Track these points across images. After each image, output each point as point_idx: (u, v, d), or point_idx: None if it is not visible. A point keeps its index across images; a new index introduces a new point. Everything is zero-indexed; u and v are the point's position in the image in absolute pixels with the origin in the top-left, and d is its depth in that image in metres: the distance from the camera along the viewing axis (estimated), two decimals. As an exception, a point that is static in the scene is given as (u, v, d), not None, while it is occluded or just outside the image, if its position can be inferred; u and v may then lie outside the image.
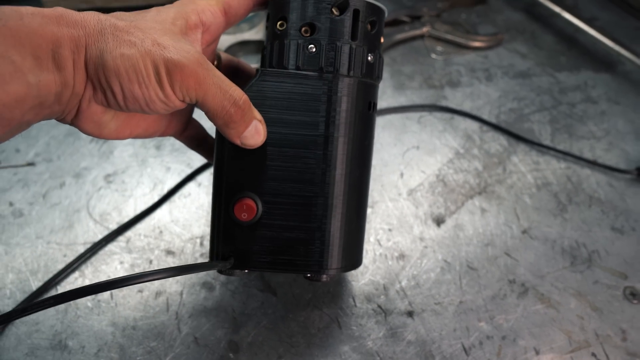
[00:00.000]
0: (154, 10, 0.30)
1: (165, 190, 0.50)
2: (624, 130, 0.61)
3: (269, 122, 0.32)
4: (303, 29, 0.33)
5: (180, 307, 0.42)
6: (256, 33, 0.64)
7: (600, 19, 0.75)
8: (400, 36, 0.66)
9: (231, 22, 0.34)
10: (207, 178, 0.51)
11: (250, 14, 0.37)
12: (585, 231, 0.50)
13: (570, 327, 0.44)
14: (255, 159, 0.33)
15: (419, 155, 0.55)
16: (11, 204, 0.48)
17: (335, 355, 0.40)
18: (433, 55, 0.66)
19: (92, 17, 0.27)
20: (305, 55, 0.32)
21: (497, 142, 0.57)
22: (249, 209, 0.32)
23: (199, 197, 0.50)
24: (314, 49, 0.32)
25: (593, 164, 0.56)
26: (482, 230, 0.49)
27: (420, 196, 0.51)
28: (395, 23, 0.68)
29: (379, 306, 0.43)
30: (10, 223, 0.46)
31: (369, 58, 0.34)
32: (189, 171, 0.51)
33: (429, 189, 0.52)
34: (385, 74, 0.63)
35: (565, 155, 0.57)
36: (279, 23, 0.33)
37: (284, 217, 0.33)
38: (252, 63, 0.61)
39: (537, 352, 0.42)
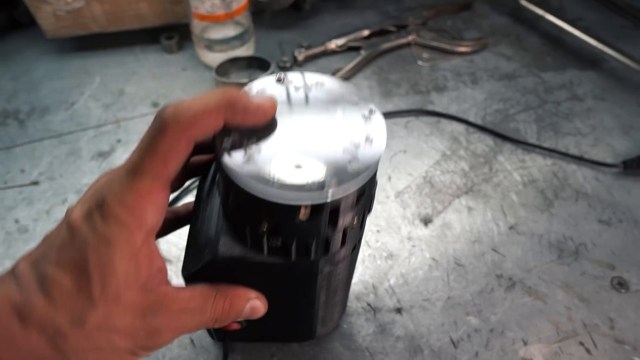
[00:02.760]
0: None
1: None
2: (610, 126, 0.62)
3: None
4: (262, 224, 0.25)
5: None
6: (247, 50, 0.66)
7: (585, 19, 0.77)
8: (386, 45, 0.69)
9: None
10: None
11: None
12: (572, 225, 0.51)
13: (557, 318, 0.44)
14: None
15: (406, 159, 0.57)
16: (17, 221, 0.50)
17: (327, 352, 0.41)
18: (419, 62, 0.68)
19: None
20: (271, 247, 0.26)
21: (483, 143, 0.59)
22: (234, 325, 0.35)
23: (195, 207, 0.52)
24: (279, 244, 0.26)
25: (579, 159, 0.57)
26: (469, 227, 0.51)
27: (408, 198, 0.53)
28: (382, 33, 0.71)
29: (369, 304, 0.45)
30: (16, 239, 0.49)
31: (355, 225, 0.27)
32: (185, 184, 0.54)
33: (416, 191, 0.54)
34: (373, 82, 0.65)
35: (551, 152, 0.58)
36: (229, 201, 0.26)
37: (269, 324, 0.35)
38: (244, 78, 0.64)
39: (525, 343, 0.43)
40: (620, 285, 0.47)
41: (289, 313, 0.35)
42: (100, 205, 0.23)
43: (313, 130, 0.24)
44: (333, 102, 0.26)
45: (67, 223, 0.23)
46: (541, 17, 0.73)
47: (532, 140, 0.59)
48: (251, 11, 0.66)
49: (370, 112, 0.25)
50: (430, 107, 0.62)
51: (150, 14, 0.65)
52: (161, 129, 0.22)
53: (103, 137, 0.58)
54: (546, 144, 0.59)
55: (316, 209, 0.23)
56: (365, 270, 0.47)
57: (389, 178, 0.55)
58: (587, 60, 0.71)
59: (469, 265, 0.48)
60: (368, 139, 0.24)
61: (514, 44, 0.73)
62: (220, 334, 0.39)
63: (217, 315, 0.27)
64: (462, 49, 0.69)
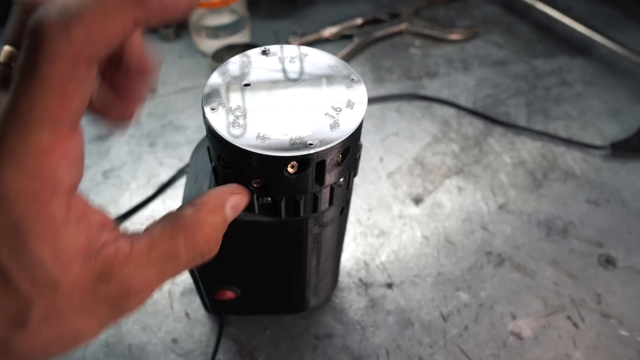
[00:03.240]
0: None
1: (159, 183, 0.53)
2: (599, 110, 0.63)
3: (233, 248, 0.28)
4: (253, 181, 0.25)
5: (172, 286, 0.44)
6: (242, 37, 0.67)
7: (575, 8, 0.78)
8: (379, 33, 0.70)
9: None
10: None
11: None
12: (560, 204, 0.52)
13: (546, 294, 0.45)
14: (228, 264, 0.33)
15: (398, 142, 0.58)
16: (15, 202, 0.51)
17: (319, 324, 0.42)
18: (412, 50, 0.69)
19: None
20: (261, 205, 0.27)
21: (473, 126, 0.60)
22: (229, 294, 0.37)
23: (190, 188, 0.53)
24: (270, 200, 0.27)
25: (568, 142, 0.58)
26: (460, 207, 0.52)
27: (399, 178, 0.54)
28: (375, 21, 0.72)
29: (360, 280, 0.46)
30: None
31: (342, 183, 0.28)
32: (181, 165, 0.54)
33: (407, 172, 0.54)
34: (366, 69, 0.66)
35: (541, 134, 0.59)
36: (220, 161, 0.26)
37: (263, 292, 0.38)
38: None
39: (514, 317, 0.44)
40: (608, 262, 0.48)
41: (281, 280, 0.36)
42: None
43: (297, 97, 0.25)
44: (316, 71, 0.27)
45: None
46: (532, 6, 0.74)
47: (522, 124, 0.60)
48: (248, 1, 0.67)
49: (352, 80, 0.26)
50: (421, 92, 0.63)
51: None
52: (45, 50, 0.15)
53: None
54: (536, 127, 0.60)
55: (303, 163, 0.24)
56: (356, 247, 0.48)
57: (381, 159, 0.56)
58: (577, 47, 0.72)
59: (459, 243, 0.49)
60: (349, 104, 0.25)
61: (505, 32, 0.74)
62: (215, 307, 0.40)
63: (197, 251, 0.21)
64: (454, 37, 0.70)
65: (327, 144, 0.23)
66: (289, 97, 0.25)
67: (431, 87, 0.64)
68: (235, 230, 0.26)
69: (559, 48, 0.72)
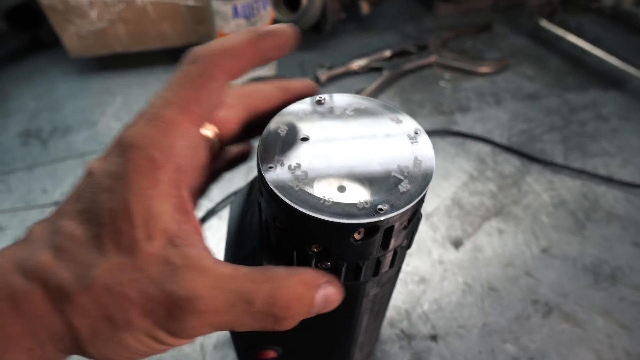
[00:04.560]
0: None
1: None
2: (638, 146, 0.61)
3: None
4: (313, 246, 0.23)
5: (205, 338, 0.42)
6: (268, 70, 0.66)
7: (605, 40, 0.76)
8: (408, 66, 0.68)
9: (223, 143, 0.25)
10: (227, 211, 0.53)
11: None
12: (606, 248, 0.50)
13: (598, 346, 0.43)
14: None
15: (433, 180, 0.55)
16: (40, 243, 0.49)
17: (361, 381, 0.40)
18: (441, 83, 0.68)
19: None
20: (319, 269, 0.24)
21: (510, 164, 0.58)
22: (270, 354, 0.34)
23: (220, 229, 0.51)
24: (329, 265, 0.24)
25: (609, 180, 0.56)
26: (501, 251, 0.49)
27: (437, 220, 0.52)
28: (403, 53, 0.71)
29: (402, 331, 0.43)
30: (39, 261, 0.48)
31: (404, 244, 0.25)
32: (210, 205, 0.53)
33: (445, 213, 0.52)
34: (396, 103, 0.65)
35: (580, 172, 0.57)
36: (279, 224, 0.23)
37: (306, 351, 0.34)
38: (267, 98, 0.64)
39: (566, 373, 0.41)
40: (661, 311, 0.45)
41: (329, 339, 0.34)
42: (118, 144, 0.19)
43: (360, 154, 0.23)
44: (376, 123, 0.25)
45: (85, 171, 0.20)
46: (561, 38, 0.73)
47: (559, 161, 0.58)
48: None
49: (416, 132, 0.24)
50: (454, 128, 0.62)
51: (174, 34, 0.65)
52: (190, 61, 0.20)
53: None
54: (574, 165, 0.58)
55: (371, 230, 0.22)
56: (397, 295, 0.46)
57: (417, 199, 0.54)
58: (610, 80, 0.70)
59: (503, 290, 0.46)
60: (416, 162, 0.23)
61: (535, 64, 0.73)
62: None
63: (270, 307, 0.19)
64: (484, 70, 0.69)
65: (398, 209, 0.21)
66: (350, 154, 0.23)
67: (464, 122, 0.62)
68: None
69: (591, 81, 0.70)
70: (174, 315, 0.18)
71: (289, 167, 0.22)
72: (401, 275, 0.47)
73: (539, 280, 0.47)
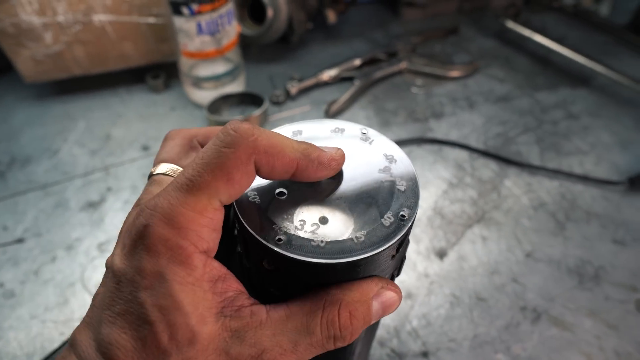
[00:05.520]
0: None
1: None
2: (610, 142, 0.62)
3: None
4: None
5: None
6: (237, 86, 0.64)
7: (569, 38, 0.78)
8: (379, 74, 0.67)
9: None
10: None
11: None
12: (587, 247, 0.50)
13: (588, 349, 0.42)
14: None
15: (412, 189, 0.55)
16: (2, 285, 0.46)
17: (354, 408, 0.38)
18: (413, 90, 0.68)
19: None
20: None
21: (488, 168, 0.58)
22: None
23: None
24: None
25: (585, 179, 0.56)
26: (486, 258, 0.49)
27: (420, 231, 0.51)
28: (373, 61, 0.70)
29: (393, 350, 0.42)
30: (1, 305, 0.45)
31: (396, 274, 0.26)
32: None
33: (428, 224, 0.52)
34: (370, 112, 0.64)
35: (556, 173, 0.57)
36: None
37: None
38: (236, 115, 0.62)
39: (560, 380, 0.40)
40: (646, 308, 0.46)
41: None
42: (142, 235, 0.19)
43: (342, 184, 0.23)
44: (354, 148, 0.24)
45: (111, 272, 0.20)
46: (527, 38, 0.74)
47: (536, 162, 0.58)
48: (242, 52, 0.64)
49: (393, 157, 0.24)
50: (430, 135, 0.61)
51: (135, 54, 0.63)
52: (231, 142, 0.19)
53: (92, 185, 0.54)
54: (550, 165, 0.58)
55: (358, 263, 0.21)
56: (385, 313, 0.44)
57: (398, 211, 0.53)
58: (577, 78, 0.71)
59: (491, 299, 0.46)
60: (399, 184, 0.23)
61: (504, 65, 0.73)
62: None
63: (332, 332, 0.20)
64: (455, 74, 0.69)
65: (389, 240, 0.21)
66: (330, 191, 0.23)
67: (439, 129, 0.62)
68: None
69: (559, 79, 0.71)
70: None
71: (277, 227, 0.21)
72: (387, 292, 0.46)
73: (526, 286, 0.47)
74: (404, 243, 0.23)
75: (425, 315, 0.44)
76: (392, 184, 0.23)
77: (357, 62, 0.69)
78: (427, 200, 0.54)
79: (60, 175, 0.55)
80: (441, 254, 0.49)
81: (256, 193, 0.22)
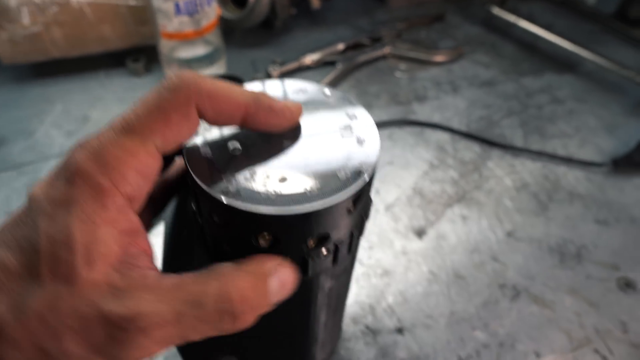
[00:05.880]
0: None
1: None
2: (595, 126, 0.61)
3: None
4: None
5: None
6: (218, 69, 0.64)
7: (556, 26, 0.77)
8: (362, 58, 0.67)
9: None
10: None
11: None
12: (570, 227, 0.49)
13: (568, 326, 0.42)
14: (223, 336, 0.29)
15: (393, 171, 0.54)
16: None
17: (325, 383, 0.37)
18: (397, 74, 0.67)
19: None
20: None
21: (470, 150, 0.57)
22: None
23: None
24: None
25: (568, 160, 0.56)
26: (466, 237, 0.48)
27: (399, 210, 0.50)
28: (357, 46, 0.69)
29: (367, 326, 0.41)
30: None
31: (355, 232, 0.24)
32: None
33: (407, 202, 0.51)
34: (352, 95, 0.63)
35: (540, 155, 0.56)
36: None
37: (267, 353, 0.32)
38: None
39: (538, 355, 0.39)
40: (627, 285, 0.45)
41: (286, 341, 0.31)
42: (66, 168, 0.18)
43: (299, 140, 0.22)
44: (316, 107, 0.24)
45: (27, 198, 0.19)
46: (514, 25, 0.73)
47: (519, 144, 0.58)
48: (221, 30, 0.63)
49: (355, 115, 0.23)
50: (412, 117, 0.60)
51: (114, 37, 0.62)
52: (172, 86, 0.18)
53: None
54: (534, 148, 0.57)
55: (319, 215, 0.20)
56: (360, 290, 0.43)
57: (377, 191, 0.52)
58: (564, 64, 0.70)
59: (470, 277, 0.45)
60: (359, 141, 0.22)
61: (490, 51, 0.72)
62: None
63: (225, 306, 0.18)
64: (439, 59, 0.68)
65: (341, 190, 0.20)
66: (289, 141, 0.22)
67: (422, 112, 0.61)
68: None
69: (545, 65, 0.70)
70: (117, 339, 0.17)
71: (224, 164, 0.20)
72: (363, 269, 0.45)
73: (506, 265, 0.46)
74: (361, 198, 0.22)
75: (401, 292, 0.43)
76: (352, 141, 0.22)
77: (341, 46, 0.68)
78: (406, 180, 0.53)
79: (35, 156, 0.54)
80: (420, 233, 0.48)
81: (209, 148, 0.21)
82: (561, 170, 0.55)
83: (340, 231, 0.22)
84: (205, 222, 0.22)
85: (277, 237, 0.20)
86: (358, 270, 0.45)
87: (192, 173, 0.20)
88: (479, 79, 0.67)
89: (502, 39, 0.75)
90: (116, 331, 0.17)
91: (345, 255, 0.24)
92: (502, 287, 0.44)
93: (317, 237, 0.21)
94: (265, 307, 0.20)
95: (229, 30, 0.70)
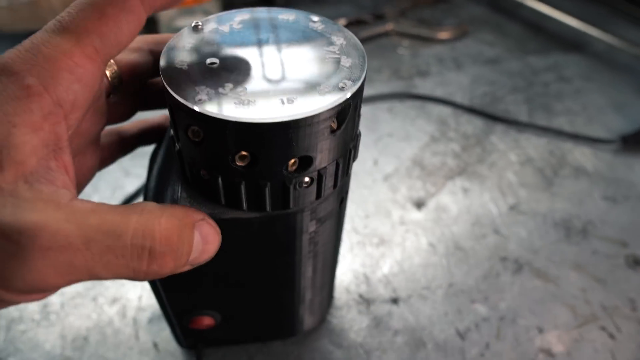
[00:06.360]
0: None
1: (124, 196, 0.46)
2: (602, 104, 0.59)
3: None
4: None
5: (138, 312, 0.37)
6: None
7: (563, 8, 0.75)
8: (364, 34, 0.65)
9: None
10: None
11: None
12: (575, 203, 0.47)
13: (573, 301, 0.39)
14: (203, 282, 0.26)
15: (392, 143, 0.52)
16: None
17: (314, 350, 0.35)
18: (399, 50, 0.65)
19: None
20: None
21: (472, 125, 0.55)
22: (206, 322, 0.30)
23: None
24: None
25: (575, 137, 0.54)
26: (467, 209, 0.46)
27: (397, 181, 0.48)
28: (359, 23, 0.68)
29: (360, 295, 0.39)
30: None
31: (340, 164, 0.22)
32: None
33: (406, 174, 0.49)
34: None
35: (545, 130, 0.54)
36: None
37: (248, 315, 0.31)
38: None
39: (541, 331, 0.37)
40: (636, 262, 0.42)
41: (270, 297, 0.29)
42: None
43: (281, 58, 0.21)
44: (302, 31, 0.22)
45: None
46: (520, 5, 0.71)
47: (524, 120, 0.56)
48: (223, 3, 0.62)
49: (343, 38, 0.22)
50: (414, 92, 0.58)
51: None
52: None
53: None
54: (539, 124, 0.55)
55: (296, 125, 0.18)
56: (354, 259, 0.41)
57: (375, 162, 0.50)
58: (571, 44, 0.68)
59: (470, 249, 0.43)
60: (344, 62, 0.20)
61: (495, 31, 0.70)
62: (189, 339, 0.33)
63: (146, 242, 0.16)
64: (443, 36, 0.66)
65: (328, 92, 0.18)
66: (265, 61, 0.20)
67: (423, 87, 0.59)
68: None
69: (552, 45, 0.68)
70: (8, 253, 0.14)
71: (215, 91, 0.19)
72: (359, 238, 0.43)
73: (508, 238, 0.44)
74: (345, 118, 0.20)
75: (398, 263, 0.41)
76: (336, 60, 0.20)
77: (342, 21, 0.66)
78: (406, 152, 0.51)
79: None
80: (419, 204, 0.46)
81: (185, 61, 0.20)
82: (567, 146, 0.53)
83: (322, 155, 0.20)
84: (182, 145, 0.20)
85: (255, 155, 0.19)
86: (353, 239, 0.43)
87: (165, 84, 0.19)
88: (483, 57, 0.65)
89: (507, 19, 0.73)
90: (7, 245, 0.14)
91: (330, 189, 0.22)
92: (503, 260, 0.42)
93: (298, 158, 0.19)
94: (184, 259, 0.18)
95: (230, 4, 0.69)
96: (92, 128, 0.22)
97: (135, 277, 0.17)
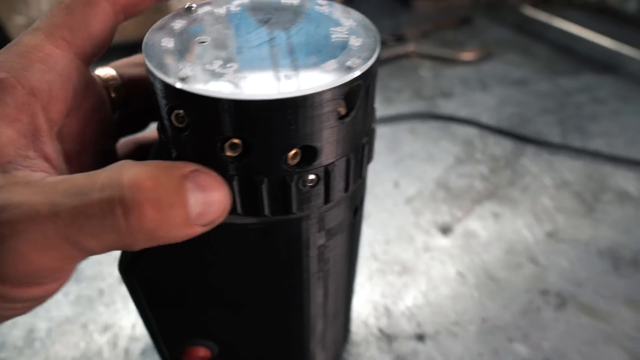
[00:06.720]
0: None
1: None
2: (643, 126, 0.54)
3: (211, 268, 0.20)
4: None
5: (130, 342, 0.33)
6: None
7: (593, 30, 0.72)
8: (384, 54, 0.63)
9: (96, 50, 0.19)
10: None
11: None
12: (622, 231, 0.42)
13: (629, 343, 0.34)
14: (196, 304, 0.23)
15: (414, 164, 0.48)
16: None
17: (327, 395, 0.30)
18: (421, 72, 0.62)
19: None
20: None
21: (501, 146, 0.51)
22: (201, 354, 0.26)
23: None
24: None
25: (614, 159, 0.49)
26: (498, 236, 0.41)
27: (420, 205, 0.44)
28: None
29: (381, 330, 0.34)
30: None
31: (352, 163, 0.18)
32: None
33: (430, 197, 0.45)
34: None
35: (581, 152, 0.50)
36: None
37: (249, 347, 0.27)
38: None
39: (593, 376, 0.32)
40: (699, 298, 0.37)
41: (275, 325, 0.25)
42: None
43: (281, 37, 0.18)
44: (307, 13, 0.19)
45: None
46: (548, 26, 0.69)
47: (557, 142, 0.51)
48: None
49: (353, 21, 0.19)
50: (437, 112, 0.55)
51: (130, 27, 0.60)
52: None
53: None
54: (574, 145, 0.51)
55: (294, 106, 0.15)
56: (373, 288, 0.37)
57: (396, 184, 0.46)
58: (603, 65, 0.65)
59: (504, 280, 0.38)
60: (353, 44, 0.17)
61: (521, 52, 0.67)
62: None
63: (111, 193, 0.14)
64: (467, 57, 0.64)
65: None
66: (260, 43, 0.18)
67: (446, 107, 0.56)
68: (201, 243, 0.17)
69: (583, 66, 0.65)
70: None
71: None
72: (377, 265, 0.39)
73: (547, 268, 0.39)
74: (354, 102, 0.17)
75: (423, 294, 0.37)
76: (344, 40, 0.17)
77: (360, 42, 0.64)
78: (429, 173, 0.47)
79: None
80: (445, 229, 0.42)
81: (171, 40, 0.17)
82: (607, 169, 0.48)
83: (329, 147, 0.16)
84: (167, 136, 0.17)
85: (248, 142, 0.15)
86: (372, 266, 0.38)
87: (146, 61, 0.16)
88: (510, 78, 0.62)
89: (534, 41, 0.70)
90: None
91: (340, 192, 0.18)
92: (544, 294, 0.37)
93: (300, 148, 0.16)
94: (178, 211, 0.14)
95: None
96: (101, 141, 0.21)
97: (122, 240, 0.14)
